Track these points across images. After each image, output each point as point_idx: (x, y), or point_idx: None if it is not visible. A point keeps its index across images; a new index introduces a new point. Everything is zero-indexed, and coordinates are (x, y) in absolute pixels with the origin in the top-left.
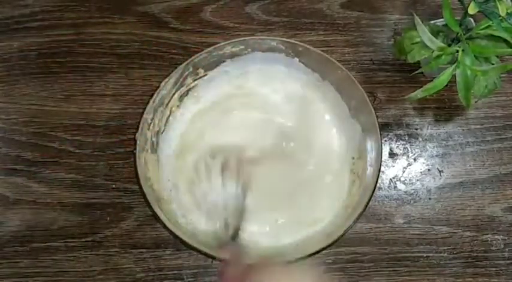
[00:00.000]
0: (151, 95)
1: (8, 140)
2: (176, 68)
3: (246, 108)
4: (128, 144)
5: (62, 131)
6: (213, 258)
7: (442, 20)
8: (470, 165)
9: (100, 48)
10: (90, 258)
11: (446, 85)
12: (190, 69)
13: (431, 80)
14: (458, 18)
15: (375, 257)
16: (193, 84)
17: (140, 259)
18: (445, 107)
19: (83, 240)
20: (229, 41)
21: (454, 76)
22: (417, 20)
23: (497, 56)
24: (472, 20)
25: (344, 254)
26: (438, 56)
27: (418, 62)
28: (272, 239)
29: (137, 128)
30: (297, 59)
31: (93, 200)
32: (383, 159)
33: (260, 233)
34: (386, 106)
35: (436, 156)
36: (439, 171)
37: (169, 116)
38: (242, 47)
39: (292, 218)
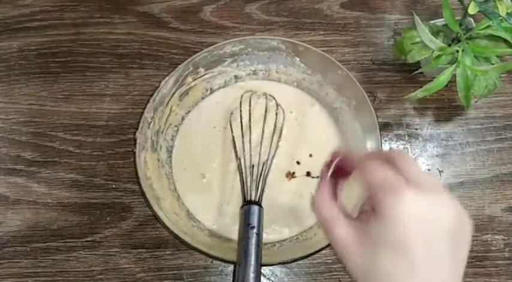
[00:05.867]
0: (152, 94)
1: (8, 140)
2: (176, 67)
3: (245, 109)
4: (128, 144)
5: (62, 131)
6: (213, 258)
7: (442, 20)
8: (470, 165)
9: (100, 48)
10: (90, 258)
11: (446, 85)
12: (191, 69)
13: (431, 80)
14: (458, 18)
15: None
16: (193, 84)
17: (140, 259)
18: (445, 107)
19: (83, 240)
20: (230, 40)
21: (454, 76)
22: (417, 20)
23: (497, 56)
24: (472, 20)
25: None
26: (438, 56)
27: (418, 62)
28: (277, 235)
29: (137, 128)
30: (298, 59)
31: (93, 200)
32: None
33: (266, 230)
34: (386, 106)
35: (436, 156)
36: (439, 171)
37: (169, 115)
38: (242, 46)
39: (293, 215)
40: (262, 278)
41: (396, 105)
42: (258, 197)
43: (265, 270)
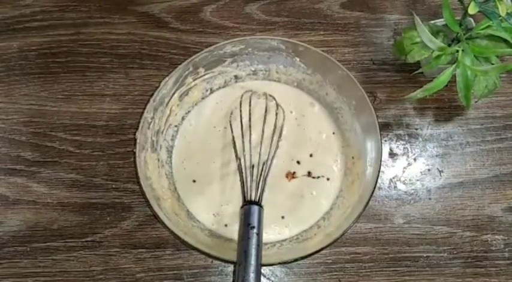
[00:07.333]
0: (152, 94)
1: (8, 140)
2: (176, 67)
3: (245, 109)
4: (128, 144)
5: (62, 131)
6: (213, 258)
7: (442, 20)
8: (470, 165)
9: (100, 48)
10: (90, 258)
11: (446, 85)
12: (191, 69)
13: (431, 80)
14: (458, 18)
15: (374, 257)
16: (193, 84)
17: (140, 259)
18: (445, 107)
19: (83, 240)
20: (230, 41)
21: (454, 76)
22: (417, 20)
23: (497, 56)
24: (472, 20)
25: (344, 254)
26: (438, 56)
27: (418, 62)
28: (277, 235)
29: (137, 128)
30: (297, 59)
31: (93, 200)
32: (383, 159)
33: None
34: (386, 106)
35: (436, 156)
36: (439, 171)
37: (169, 115)
38: (243, 46)
39: (294, 216)
40: (262, 278)
41: (396, 105)
42: (258, 197)
43: (265, 270)
